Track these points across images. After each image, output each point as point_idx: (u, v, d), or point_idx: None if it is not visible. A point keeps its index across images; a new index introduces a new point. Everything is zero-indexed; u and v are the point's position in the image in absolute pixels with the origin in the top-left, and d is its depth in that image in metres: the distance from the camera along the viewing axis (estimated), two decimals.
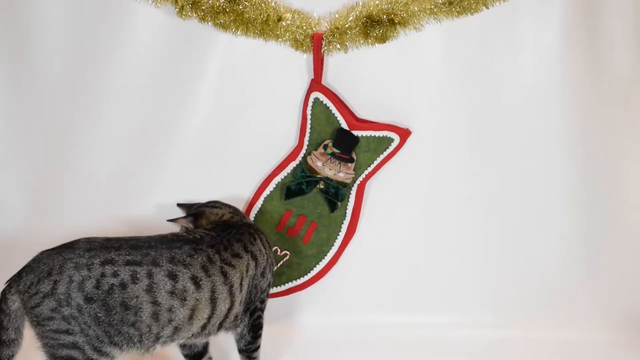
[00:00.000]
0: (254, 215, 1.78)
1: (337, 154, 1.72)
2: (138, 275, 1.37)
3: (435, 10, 1.63)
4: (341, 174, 1.74)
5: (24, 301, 1.37)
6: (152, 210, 1.72)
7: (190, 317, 1.42)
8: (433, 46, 1.70)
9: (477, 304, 1.83)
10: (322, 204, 1.76)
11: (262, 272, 1.54)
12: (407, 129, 1.71)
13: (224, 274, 1.45)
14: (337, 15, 1.66)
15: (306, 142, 1.74)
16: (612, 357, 1.74)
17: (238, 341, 1.57)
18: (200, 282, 1.41)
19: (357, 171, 1.74)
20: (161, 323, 1.40)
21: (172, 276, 1.39)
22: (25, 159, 1.79)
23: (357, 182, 1.75)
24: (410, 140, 1.72)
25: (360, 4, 1.65)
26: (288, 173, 1.76)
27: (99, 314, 1.36)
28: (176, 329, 1.42)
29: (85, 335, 1.37)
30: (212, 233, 1.50)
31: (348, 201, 1.76)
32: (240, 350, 1.58)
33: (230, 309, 1.47)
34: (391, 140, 1.71)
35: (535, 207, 1.80)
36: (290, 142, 1.76)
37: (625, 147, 1.79)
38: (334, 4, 1.67)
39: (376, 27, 1.63)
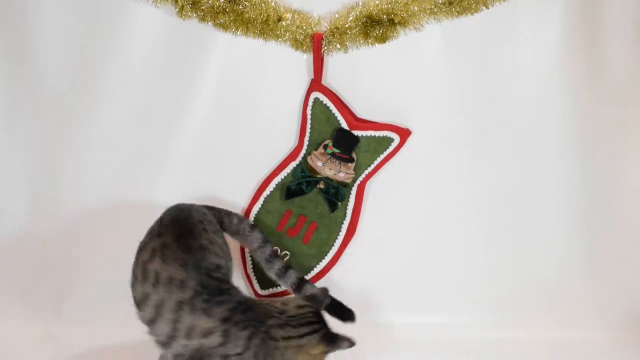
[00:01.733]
0: (254, 216, 1.78)
1: (337, 154, 1.72)
2: (151, 233, 1.51)
3: (435, 10, 1.63)
4: (341, 174, 1.74)
5: None
6: (153, 210, 1.71)
7: (144, 299, 1.44)
8: (433, 46, 1.70)
9: (477, 304, 1.83)
10: (322, 204, 1.76)
11: (224, 356, 1.37)
12: (407, 129, 1.71)
13: (179, 308, 1.38)
14: (337, 15, 1.66)
15: (306, 142, 1.74)
16: (612, 357, 1.74)
17: None
18: (157, 284, 1.41)
19: (357, 171, 1.74)
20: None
21: (153, 251, 1.46)
22: (25, 159, 1.79)
23: (357, 182, 1.75)
24: (410, 140, 1.72)
25: (360, 4, 1.65)
26: (288, 173, 1.76)
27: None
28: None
29: None
30: (225, 288, 1.45)
31: (348, 201, 1.76)
32: None
33: (170, 337, 1.40)
34: (391, 140, 1.71)
35: (535, 206, 1.81)
36: (290, 142, 1.76)
37: (625, 146, 1.79)
38: (334, 4, 1.67)
39: (376, 27, 1.63)
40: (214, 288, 1.40)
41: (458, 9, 1.63)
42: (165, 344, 1.40)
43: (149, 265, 1.41)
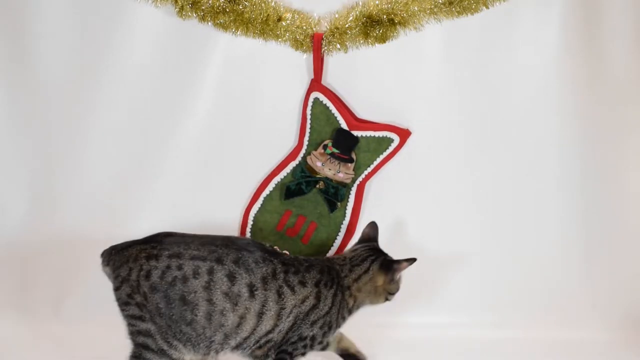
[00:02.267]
0: (253, 215, 1.77)
1: (337, 154, 1.72)
2: (199, 271, 1.41)
3: (435, 10, 1.63)
4: (341, 174, 1.74)
5: (112, 279, 1.47)
6: (153, 210, 1.72)
7: (238, 325, 1.43)
8: (433, 46, 1.70)
9: (477, 304, 1.83)
10: (321, 204, 1.76)
11: (313, 321, 1.48)
12: (407, 129, 1.71)
13: (280, 294, 1.44)
14: (337, 15, 1.66)
15: (306, 142, 1.74)
16: (612, 357, 1.74)
17: None
18: (255, 292, 1.43)
19: (357, 171, 1.74)
20: (213, 326, 1.42)
21: (231, 277, 1.42)
22: (25, 160, 1.79)
23: (357, 182, 1.75)
24: (410, 140, 1.72)
25: (360, 4, 1.65)
26: (288, 173, 1.76)
27: (159, 305, 1.41)
28: (225, 336, 1.43)
29: (154, 324, 1.43)
30: (301, 258, 1.53)
31: (348, 201, 1.76)
32: None
33: (269, 332, 1.46)
34: (391, 140, 1.71)
35: (534, 206, 1.81)
36: (290, 142, 1.76)
37: (624, 147, 1.80)
38: (334, 4, 1.68)
39: (376, 27, 1.63)
40: (291, 260, 1.50)
41: (458, 9, 1.63)
42: (252, 345, 1.46)
43: (235, 287, 1.42)
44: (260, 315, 1.43)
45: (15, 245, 1.81)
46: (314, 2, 1.68)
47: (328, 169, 1.74)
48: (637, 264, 1.83)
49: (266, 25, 1.65)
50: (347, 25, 1.64)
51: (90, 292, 1.79)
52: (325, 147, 1.73)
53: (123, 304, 1.45)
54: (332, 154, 1.73)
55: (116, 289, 1.46)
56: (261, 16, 1.64)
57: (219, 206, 1.77)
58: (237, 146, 1.76)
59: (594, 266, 1.82)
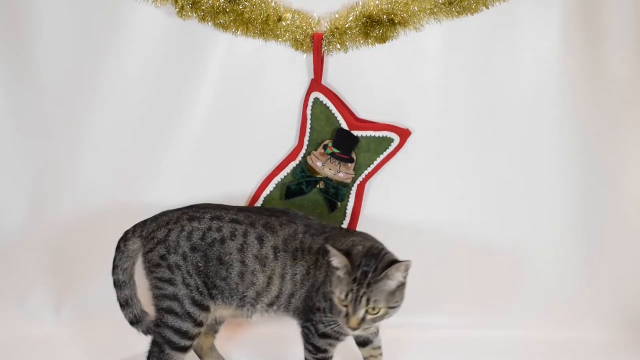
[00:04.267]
0: None
1: (337, 154, 1.72)
2: (236, 233, 1.49)
3: (435, 10, 1.63)
4: (341, 174, 1.74)
5: (143, 245, 1.51)
6: (152, 210, 1.71)
7: (267, 285, 1.49)
8: (433, 46, 1.70)
9: (477, 304, 1.83)
10: (321, 203, 1.76)
11: (317, 288, 1.49)
12: (407, 129, 1.71)
13: (294, 258, 1.49)
14: (337, 15, 1.66)
15: (306, 142, 1.74)
16: (611, 357, 1.74)
17: None
18: (278, 254, 1.49)
19: (357, 171, 1.74)
20: (245, 284, 1.49)
21: (260, 240, 1.49)
22: (25, 159, 1.79)
23: (357, 182, 1.75)
24: (410, 140, 1.72)
25: (360, 4, 1.65)
26: (288, 173, 1.76)
27: (199, 264, 1.48)
28: (257, 294, 1.50)
29: (186, 286, 1.48)
30: (324, 223, 1.57)
31: (348, 201, 1.76)
32: None
33: (291, 296, 1.51)
34: (391, 140, 1.71)
35: (534, 207, 1.81)
36: (290, 142, 1.76)
37: (624, 147, 1.80)
38: (334, 4, 1.68)
39: (376, 27, 1.63)
40: (314, 223, 1.55)
41: (458, 9, 1.63)
42: (283, 305, 1.52)
43: (263, 250, 1.49)
44: (282, 277, 1.49)
45: (15, 245, 1.81)
46: (314, 2, 1.68)
47: (328, 168, 1.74)
48: (637, 264, 1.83)
49: (266, 25, 1.65)
50: (347, 25, 1.64)
51: (89, 292, 1.80)
52: (325, 147, 1.73)
53: (153, 265, 1.50)
54: (332, 154, 1.73)
55: (148, 252, 1.51)
56: (261, 16, 1.64)
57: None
58: (237, 146, 1.76)
59: (594, 266, 1.82)
